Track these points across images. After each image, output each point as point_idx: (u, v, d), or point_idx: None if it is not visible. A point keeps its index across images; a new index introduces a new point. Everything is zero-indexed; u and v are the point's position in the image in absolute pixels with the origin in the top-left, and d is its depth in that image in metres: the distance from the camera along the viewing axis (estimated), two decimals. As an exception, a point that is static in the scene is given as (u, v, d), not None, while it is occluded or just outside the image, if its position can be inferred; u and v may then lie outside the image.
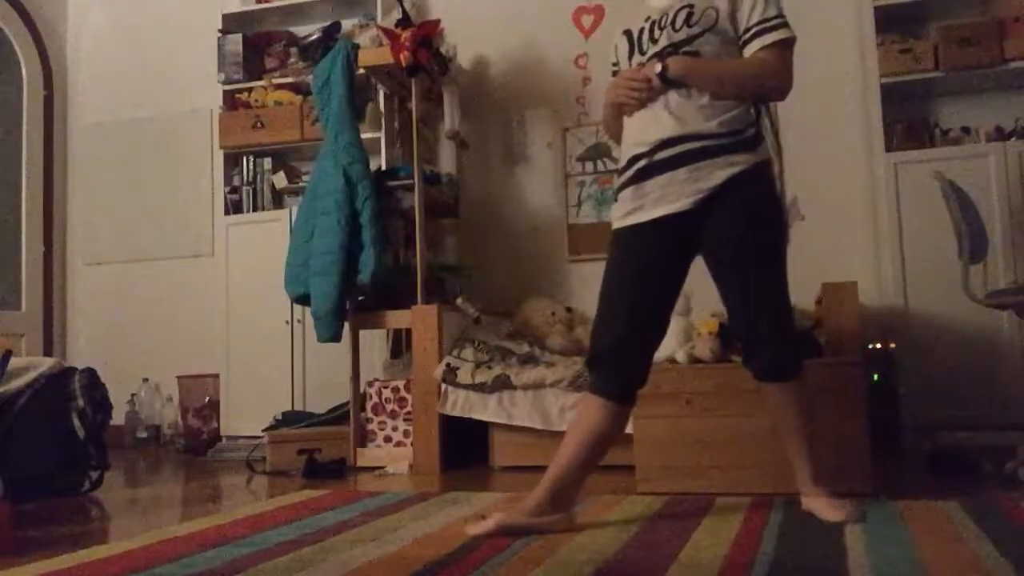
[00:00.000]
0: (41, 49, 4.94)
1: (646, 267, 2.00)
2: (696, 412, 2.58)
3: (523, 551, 1.72)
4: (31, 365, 2.80)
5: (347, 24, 4.38)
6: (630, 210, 2.00)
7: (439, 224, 4.11)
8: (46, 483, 2.74)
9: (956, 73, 3.44)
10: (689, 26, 1.97)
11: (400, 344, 3.86)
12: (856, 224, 3.70)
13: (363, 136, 3.58)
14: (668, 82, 1.93)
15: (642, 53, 2.03)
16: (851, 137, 3.74)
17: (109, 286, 4.85)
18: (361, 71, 3.63)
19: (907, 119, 3.59)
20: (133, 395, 4.51)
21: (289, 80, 4.37)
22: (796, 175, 3.83)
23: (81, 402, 2.85)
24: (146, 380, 4.54)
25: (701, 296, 2.82)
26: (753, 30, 1.97)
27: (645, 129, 1.98)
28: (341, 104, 3.48)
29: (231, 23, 4.48)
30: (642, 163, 1.97)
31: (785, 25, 1.98)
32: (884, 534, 1.75)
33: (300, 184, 4.36)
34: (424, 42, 3.42)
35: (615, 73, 2.13)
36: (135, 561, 1.74)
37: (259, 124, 4.28)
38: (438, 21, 3.70)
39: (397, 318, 3.47)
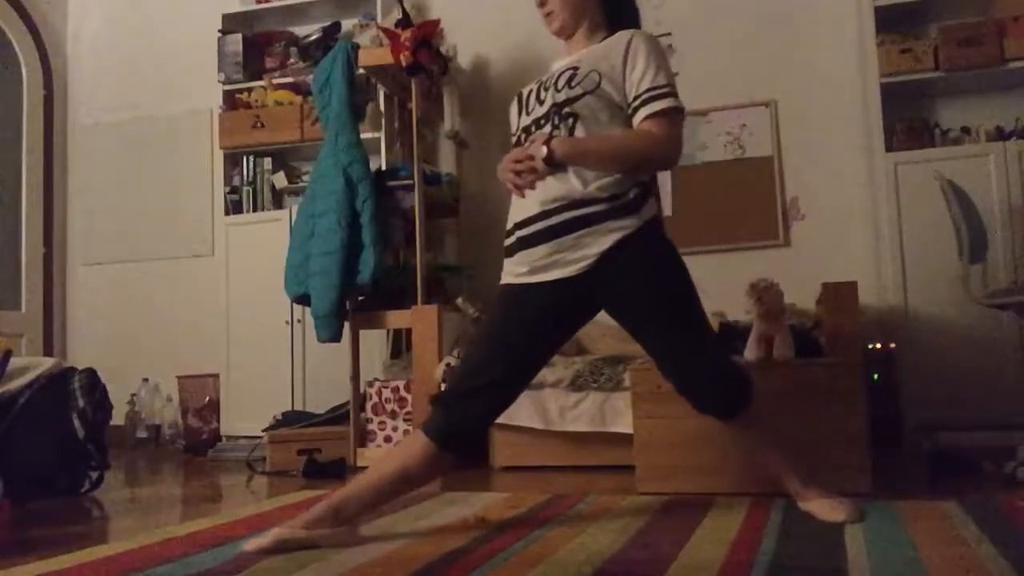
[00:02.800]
0: (41, 49, 4.95)
1: (528, 326, 1.94)
2: (696, 412, 2.58)
3: (523, 551, 1.72)
4: (31, 365, 2.80)
5: (347, 24, 4.38)
6: (519, 273, 1.95)
7: (439, 224, 4.11)
8: (46, 483, 2.74)
9: (956, 73, 3.44)
10: (570, 87, 1.94)
11: (400, 344, 3.86)
12: (856, 224, 3.71)
13: (363, 136, 3.59)
14: (554, 164, 1.89)
15: (527, 114, 2.02)
16: (851, 137, 3.74)
17: (109, 286, 4.85)
18: (361, 71, 3.63)
19: (907, 119, 3.59)
20: (133, 395, 4.51)
21: (289, 80, 4.37)
22: (796, 175, 3.85)
23: (81, 402, 2.85)
24: (146, 380, 4.54)
25: (701, 296, 2.83)
26: (641, 98, 1.91)
27: (527, 201, 1.94)
28: (341, 104, 3.48)
29: (231, 23, 4.49)
30: (525, 232, 1.93)
31: (672, 95, 1.91)
32: (884, 534, 1.75)
33: (300, 184, 4.36)
34: (424, 42, 3.42)
35: (512, 135, 2.09)
36: (135, 561, 1.74)
37: (259, 124, 4.28)
38: (438, 21, 3.70)
39: (397, 318, 3.47)
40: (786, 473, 2.04)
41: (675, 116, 1.92)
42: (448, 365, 3.21)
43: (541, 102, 1.99)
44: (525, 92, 2.08)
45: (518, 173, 1.92)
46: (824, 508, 1.94)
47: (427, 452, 1.89)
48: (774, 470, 2.06)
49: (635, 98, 1.92)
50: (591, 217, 1.87)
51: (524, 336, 1.95)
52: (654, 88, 1.91)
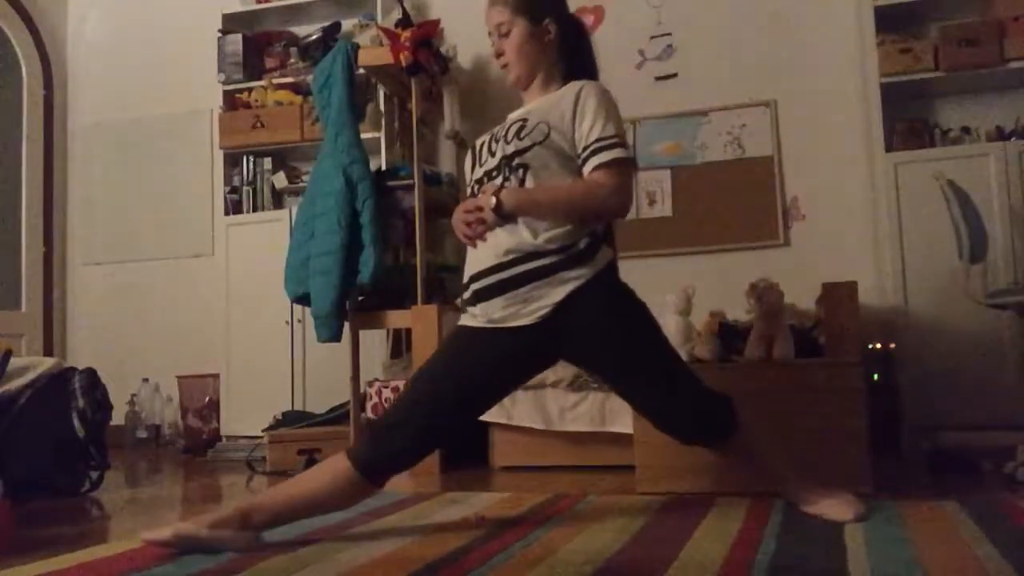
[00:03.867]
0: (41, 49, 4.95)
1: (479, 369, 1.93)
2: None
3: (523, 551, 1.72)
4: (31, 365, 2.80)
5: (347, 24, 4.38)
6: (478, 319, 1.95)
7: (439, 224, 4.10)
8: (46, 483, 2.74)
9: (956, 73, 3.43)
10: (519, 139, 1.94)
11: (400, 344, 3.86)
12: (856, 224, 3.71)
13: (363, 136, 3.58)
14: (503, 216, 1.89)
15: (480, 165, 2.03)
16: (851, 137, 3.74)
17: (109, 286, 4.85)
18: (361, 71, 3.62)
19: (907, 119, 3.59)
20: (133, 395, 4.52)
21: (289, 80, 4.37)
22: (796, 175, 3.85)
23: (81, 402, 2.85)
24: (146, 380, 4.55)
25: (701, 296, 2.83)
26: (590, 148, 1.91)
27: (481, 252, 1.95)
28: (341, 104, 3.47)
29: (231, 23, 4.49)
30: (479, 285, 1.93)
31: (621, 145, 1.91)
32: (884, 534, 1.75)
33: (300, 184, 4.36)
34: (424, 42, 3.42)
35: (467, 186, 2.09)
36: (135, 561, 1.73)
37: (259, 124, 4.28)
38: (438, 21, 3.70)
39: (397, 318, 3.47)
40: (786, 485, 2.04)
41: (624, 166, 1.92)
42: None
43: (492, 154, 2.00)
44: (478, 143, 2.08)
45: (469, 224, 1.93)
46: (832, 508, 1.94)
47: (349, 479, 1.86)
48: (773, 485, 2.07)
49: (584, 148, 1.92)
50: (543, 269, 1.87)
51: (472, 378, 1.93)
52: (603, 139, 1.91)
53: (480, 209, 1.92)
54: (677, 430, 2.02)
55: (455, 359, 1.97)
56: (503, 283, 1.89)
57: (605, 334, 1.91)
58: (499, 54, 2.11)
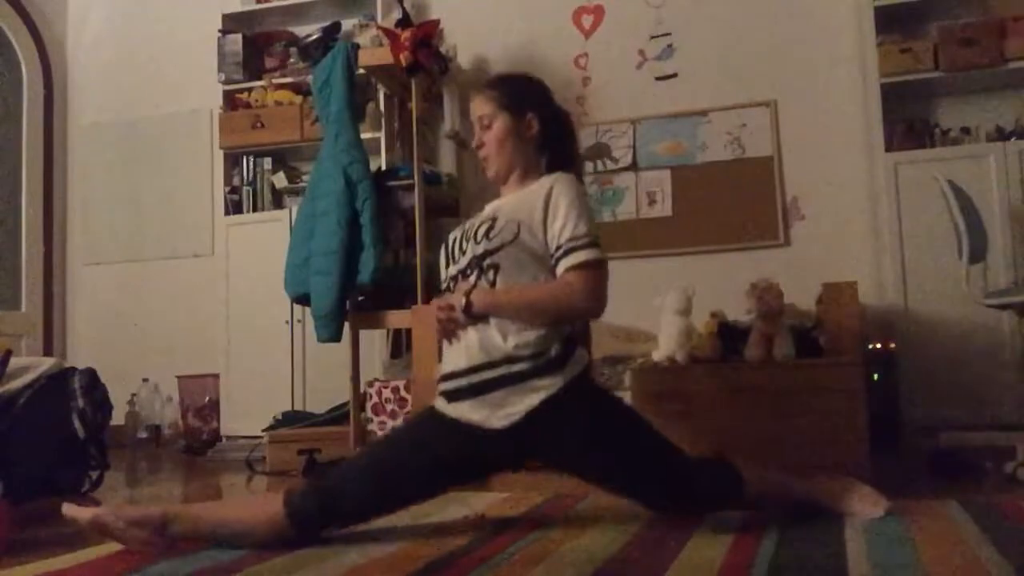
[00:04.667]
0: (41, 49, 4.95)
1: (442, 457, 1.89)
2: (696, 412, 2.59)
3: (523, 551, 1.72)
4: (31, 365, 2.80)
5: (347, 24, 4.38)
6: (450, 410, 1.92)
7: (439, 224, 4.10)
8: (46, 483, 2.73)
9: (956, 73, 3.44)
10: (488, 239, 1.91)
11: (400, 344, 3.85)
12: (856, 224, 3.71)
13: (363, 136, 3.58)
14: (474, 316, 1.87)
15: (453, 263, 2.01)
16: (851, 137, 3.74)
17: (109, 286, 4.85)
18: (361, 71, 3.62)
19: (907, 119, 3.59)
20: (133, 395, 4.52)
21: (289, 80, 4.37)
22: (796, 175, 3.85)
23: (81, 402, 2.84)
24: (146, 380, 4.55)
25: (701, 296, 2.84)
26: (563, 248, 1.87)
27: (456, 351, 1.93)
28: (341, 104, 3.47)
29: (231, 23, 4.49)
30: (450, 386, 1.91)
31: (594, 245, 1.87)
32: (884, 534, 1.75)
33: (300, 184, 4.36)
34: (424, 42, 3.42)
35: (442, 283, 2.08)
36: (135, 561, 1.73)
37: (259, 124, 4.28)
38: (438, 21, 3.70)
39: (397, 318, 3.47)
40: (813, 498, 1.97)
41: (597, 268, 1.88)
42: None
43: (463, 252, 1.97)
44: (451, 240, 2.05)
45: (442, 322, 1.92)
46: (865, 506, 1.92)
47: (278, 526, 1.81)
48: (800, 501, 1.97)
49: (557, 248, 1.89)
50: (514, 376, 1.83)
51: (434, 466, 1.89)
52: (575, 238, 1.87)
53: (452, 309, 1.90)
54: (674, 510, 1.94)
55: (421, 443, 1.92)
56: (474, 387, 1.86)
57: (575, 443, 1.86)
58: (479, 146, 2.08)
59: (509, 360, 1.84)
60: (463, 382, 1.88)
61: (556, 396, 1.83)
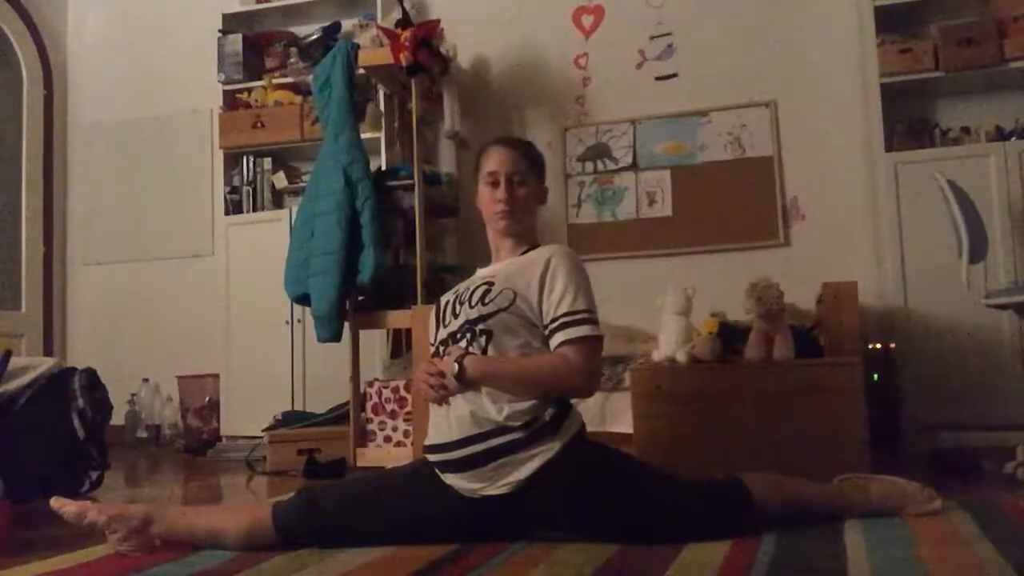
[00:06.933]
0: (41, 49, 4.95)
1: (434, 516, 1.84)
2: (696, 412, 2.59)
3: (523, 551, 1.72)
4: (31, 365, 2.80)
5: (347, 24, 4.39)
6: (447, 477, 1.84)
7: (439, 224, 4.10)
8: (46, 483, 2.73)
9: (956, 73, 3.44)
10: (483, 304, 1.88)
11: (400, 344, 3.85)
12: (856, 224, 3.71)
13: (363, 136, 3.58)
14: (466, 383, 1.82)
15: (445, 326, 1.96)
16: (851, 137, 3.74)
17: (109, 286, 4.86)
18: (361, 71, 3.62)
19: (907, 119, 3.60)
20: (133, 395, 4.52)
21: (289, 80, 4.37)
22: (796, 175, 3.85)
23: (81, 402, 2.85)
24: (146, 380, 4.55)
25: (701, 296, 2.84)
26: (558, 321, 1.84)
27: (445, 421, 1.85)
28: (341, 104, 3.47)
29: (231, 23, 4.49)
30: (440, 457, 1.85)
31: (591, 321, 1.85)
32: (884, 534, 1.74)
33: (300, 184, 4.36)
34: (424, 42, 3.42)
35: (431, 345, 2.02)
36: (135, 561, 1.74)
37: (259, 124, 4.28)
38: (438, 21, 3.70)
39: (397, 318, 3.47)
40: (841, 502, 1.93)
41: (592, 345, 1.84)
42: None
43: (456, 316, 1.93)
44: (443, 302, 2.02)
45: (431, 386, 1.86)
46: (917, 504, 1.91)
47: (265, 533, 1.81)
48: (832, 507, 1.93)
49: (552, 320, 1.86)
50: (508, 446, 1.78)
51: (426, 523, 1.84)
52: (572, 313, 1.84)
53: (442, 374, 1.85)
54: (691, 540, 1.79)
55: (416, 499, 1.87)
56: (466, 459, 1.80)
57: (576, 505, 1.80)
58: (505, 199, 2.02)
59: (503, 430, 1.78)
60: (454, 455, 1.81)
61: (552, 462, 1.77)
